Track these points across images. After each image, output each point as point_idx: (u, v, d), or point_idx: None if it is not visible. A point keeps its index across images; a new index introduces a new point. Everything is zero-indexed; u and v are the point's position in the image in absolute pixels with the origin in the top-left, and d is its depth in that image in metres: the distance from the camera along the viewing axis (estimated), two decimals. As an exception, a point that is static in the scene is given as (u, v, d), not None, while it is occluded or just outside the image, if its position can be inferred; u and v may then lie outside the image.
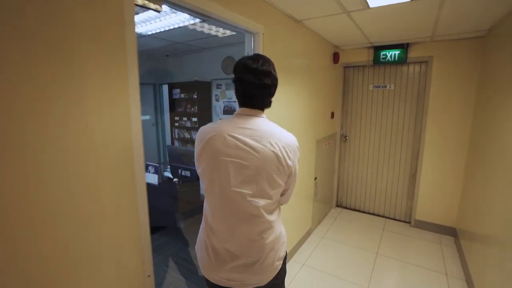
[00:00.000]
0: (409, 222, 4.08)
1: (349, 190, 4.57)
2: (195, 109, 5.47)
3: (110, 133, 1.19)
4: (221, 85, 5.17)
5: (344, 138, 4.48)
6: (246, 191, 1.10)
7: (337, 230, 3.84)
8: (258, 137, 1.11)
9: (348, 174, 4.55)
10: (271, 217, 1.16)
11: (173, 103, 5.82)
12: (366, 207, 4.44)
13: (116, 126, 1.22)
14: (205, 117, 5.34)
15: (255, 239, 1.14)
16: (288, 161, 1.14)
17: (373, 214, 4.39)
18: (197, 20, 3.10)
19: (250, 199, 1.10)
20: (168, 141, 6.59)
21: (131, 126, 1.29)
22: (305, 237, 3.54)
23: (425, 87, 3.72)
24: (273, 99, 1.25)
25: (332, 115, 4.15)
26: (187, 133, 5.76)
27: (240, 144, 1.10)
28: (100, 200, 1.17)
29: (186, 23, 3.28)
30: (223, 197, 1.13)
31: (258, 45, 2.19)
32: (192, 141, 5.61)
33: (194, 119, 5.46)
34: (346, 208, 4.65)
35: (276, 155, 1.10)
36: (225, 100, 5.14)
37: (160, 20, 3.23)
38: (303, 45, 3.00)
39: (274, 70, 1.18)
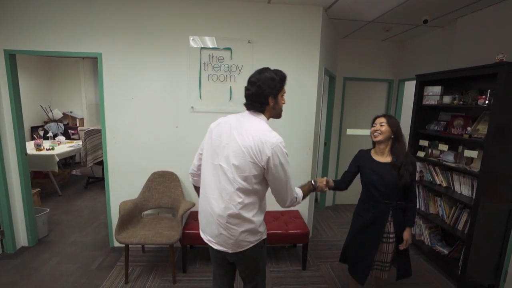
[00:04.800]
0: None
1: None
2: (476, 131, 2.41)
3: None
4: None
5: None
6: None
7: None
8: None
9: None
10: None
11: (420, 112, 3.06)
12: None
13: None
14: (508, 155, 2.15)
15: None
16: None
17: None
18: None
19: None
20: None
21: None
22: None
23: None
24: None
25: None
26: (440, 176, 2.82)
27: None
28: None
29: None
30: None
31: None
32: (449, 199, 2.63)
33: (470, 153, 2.42)
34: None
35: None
36: None
37: None
38: None
39: (266, 78, 1.29)
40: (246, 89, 1.34)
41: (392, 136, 1.75)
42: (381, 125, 1.76)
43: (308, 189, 1.57)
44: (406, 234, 1.79)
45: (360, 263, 1.87)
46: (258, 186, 1.29)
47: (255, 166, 1.23)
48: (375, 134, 1.78)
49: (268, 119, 1.37)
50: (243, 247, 1.33)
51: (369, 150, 1.89)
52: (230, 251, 1.34)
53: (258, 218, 1.33)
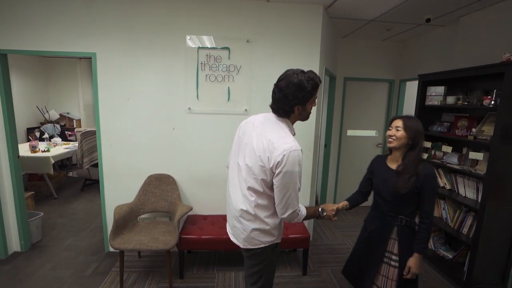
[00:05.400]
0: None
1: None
2: (481, 132, 2.35)
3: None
4: None
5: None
6: None
7: None
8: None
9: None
10: None
11: (423, 113, 3.00)
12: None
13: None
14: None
15: None
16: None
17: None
18: None
19: None
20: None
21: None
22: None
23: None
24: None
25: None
26: (443, 179, 2.75)
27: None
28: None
29: None
30: None
31: None
32: (453, 202, 2.57)
33: (475, 155, 2.36)
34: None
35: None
36: None
37: None
38: None
39: (295, 88, 1.19)
40: (273, 91, 1.28)
41: (409, 143, 1.49)
42: (397, 130, 1.50)
43: (313, 213, 1.46)
44: (411, 261, 1.49)
45: (361, 279, 1.70)
46: (270, 192, 1.26)
47: (263, 170, 1.22)
48: (389, 139, 1.54)
49: (293, 123, 1.34)
50: (254, 245, 1.34)
51: (386, 156, 1.67)
52: (241, 245, 1.38)
53: (272, 221, 1.32)
